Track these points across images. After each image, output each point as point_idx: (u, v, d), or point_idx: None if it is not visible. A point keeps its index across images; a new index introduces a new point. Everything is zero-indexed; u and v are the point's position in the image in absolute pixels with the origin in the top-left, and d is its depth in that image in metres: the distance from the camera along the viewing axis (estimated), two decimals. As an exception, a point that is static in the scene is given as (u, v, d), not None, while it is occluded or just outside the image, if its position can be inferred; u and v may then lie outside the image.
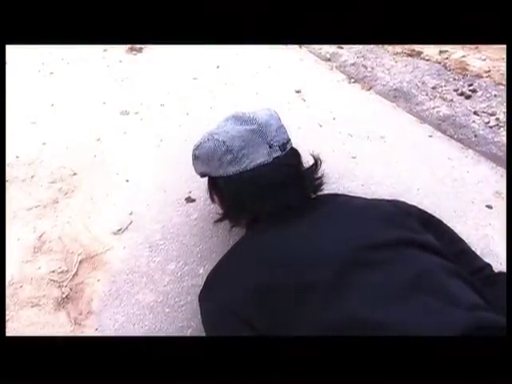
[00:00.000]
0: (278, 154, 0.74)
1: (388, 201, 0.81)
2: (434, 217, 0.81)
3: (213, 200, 0.88)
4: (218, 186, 0.80)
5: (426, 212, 0.81)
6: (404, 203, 0.81)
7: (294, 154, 0.80)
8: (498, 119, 1.28)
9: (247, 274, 0.64)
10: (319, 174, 0.82)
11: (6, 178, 1.16)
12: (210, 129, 0.82)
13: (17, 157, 1.25)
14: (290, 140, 0.79)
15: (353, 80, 1.68)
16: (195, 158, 0.83)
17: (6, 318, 0.82)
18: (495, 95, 1.37)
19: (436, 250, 0.65)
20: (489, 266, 0.77)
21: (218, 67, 1.77)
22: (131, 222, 1.05)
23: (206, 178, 0.87)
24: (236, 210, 0.80)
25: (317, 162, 0.83)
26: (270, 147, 0.73)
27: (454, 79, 1.51)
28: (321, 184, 0.81)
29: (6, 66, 1.72)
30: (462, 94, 1.43)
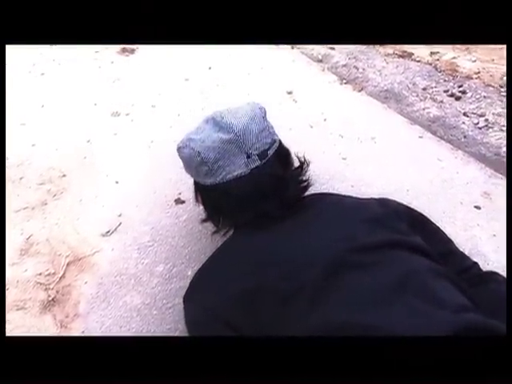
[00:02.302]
0: (257, 163, 0.69)
1: (377, 199, 0.80)
2: (422, 215, 0.81)
3: (197, 200, 0.87)
4: (199, 190, 0.80)
5: (414, 210, 0.81)
6: (393, 202, 0.80)
7: (279, 157, 0.75)
8: (487, 120, 1.29)
9: (232, 277, 0.64)
10: (305, 177, 0.79)
11: (-6, 180, 1.15)
12: None
13: (7, 158, 1.24)
14: (273, 143, 0.74)
15: (344, 81, 1.68)
16: (179, 157, 0.82)
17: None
18: (484, 96, 1.38)
19: (424, 252, 0.65)
20: (475, 264, 0.77)
21: (209, 68, 1.77)
22: (120, 224, 1.05)
23: None
24: (215, 218, 0.80)
25: (302, 165, 0.80)
26: (248, 157, 0.69)
27: (445, 80, 1.52)
28: (307, 187, 0.79)
29: (-4, 66, 1.71)
30: (452, 95, 1.44)
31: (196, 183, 0.81)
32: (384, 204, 0.78)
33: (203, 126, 0.76)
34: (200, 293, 0.68)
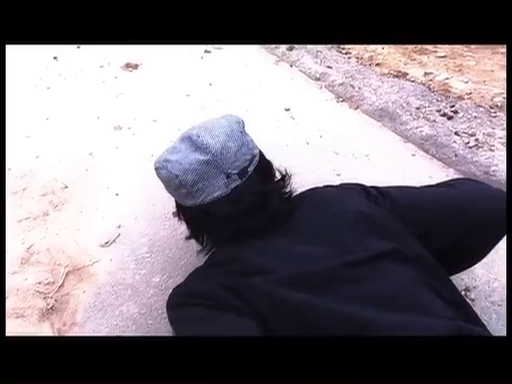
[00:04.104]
0: (237, 183, 0.68)
1: (359, 189, 0.78)
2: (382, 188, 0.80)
3: (180, 218, 0.85)
4: (181, 210, 0.79)
5: (378, 188, 0.80)
6: (374, 191, 0.78)
7: (260, 172, 0.72)
8: (477, 140, 1.33)
9: (219, 274, 0.65)
10: (287, 189, 0.76)
11: (-2, 190, 1.19)
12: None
13: (9, 169, 1.28)
14: (253, 158, 0.71)
15: (341, 99, 1.73)
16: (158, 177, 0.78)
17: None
18: (475, 117, 1.42)
19: (408, 258, 0.65)
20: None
21: (210, 84, 1.82)
22: (119, 235, 1.07)
23: None
24: (198, 236, 0.79)
25: (284, 177, 0.77)
26: (228, 177, 0.67)
27: (437, 100, 1.57)
28: (289, 198, 0.76)
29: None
30: (444, 114, 1.48)
31: (177, 203, 0.79)
32: (367, 194, 0.76)
33: (179, 145, 0.72)
34: (186, 286, 0.69)
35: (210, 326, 0.59)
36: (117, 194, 1.21)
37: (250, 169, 0.70)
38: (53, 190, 1.21)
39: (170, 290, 0.93)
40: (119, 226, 1.10)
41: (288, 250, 0.64)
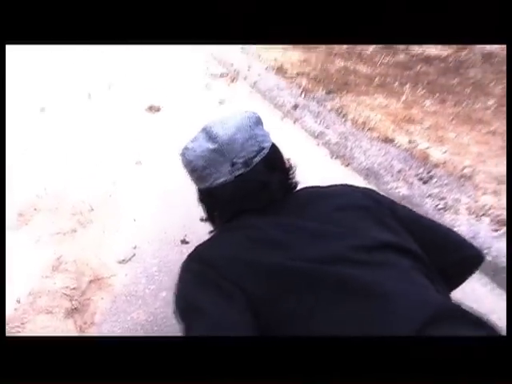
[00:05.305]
0: (241, 171, 0.74)
1: (361, 192, 0.80)
2: (405, 208, 0.84)
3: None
4: (197, 191, 0.86)
5: (397, 204, 0.82)
6: (378, 194, 0.82)
7: (267, 164, 0.76)
8: (446, 203, 1.56)
9: (234, 245, 0.68)
10: (292, 180, 0.82)
11: (35, 207, 1.40)
12: None
13: (45, 189, 1.50)
14: (261, 150, 0.75)
15: (334, 156, 1.99)
16: None
17: (25, 320, 1.01)
18: (446, 184, 1.66)
19: (409, 252, 0.68)
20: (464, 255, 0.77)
21: (222, 132, 2.09)
22: (134, 255, 1.27)
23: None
24: (210, 217, 0.86)
25: (289, 169, 0.83)
26: (233, 165, 0.74)
27: (417, 166, 1.82)
28: (295, 187, 0.82)
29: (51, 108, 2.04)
30: (421, 179, 1.73)
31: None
32: (371, 197, 0.79)
33: (198, 134, 0.80)
34: (200, 252, 0.71)
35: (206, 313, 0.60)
36: (134, 220, 1.42)
37: (256, 159, 0.75)
38: (81, 211, 1.42)
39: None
40: (135, 247, 1.30)
41: (296, 226, 0.68)
